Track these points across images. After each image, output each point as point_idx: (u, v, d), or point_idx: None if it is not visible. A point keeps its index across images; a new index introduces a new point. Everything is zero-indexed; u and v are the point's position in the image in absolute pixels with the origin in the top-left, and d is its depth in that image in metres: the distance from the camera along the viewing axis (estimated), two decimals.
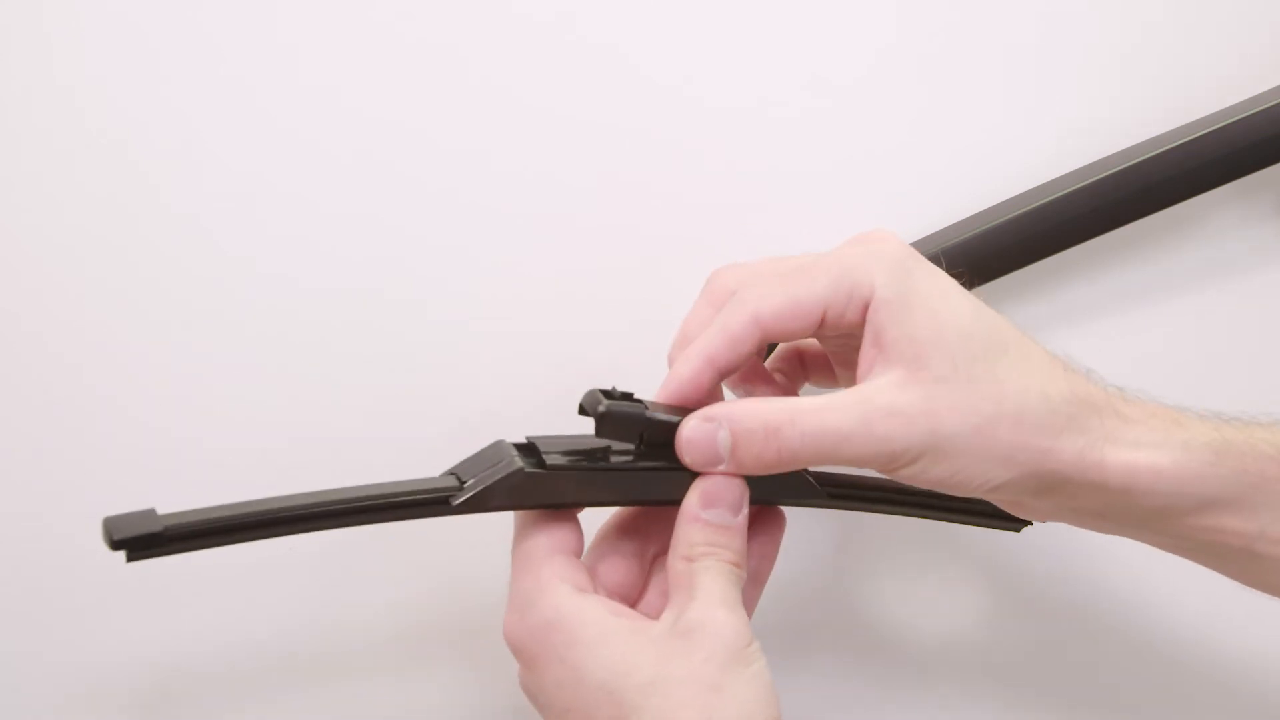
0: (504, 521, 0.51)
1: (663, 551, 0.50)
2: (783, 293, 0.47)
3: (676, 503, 0.48)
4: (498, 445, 0.50)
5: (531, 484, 0.48)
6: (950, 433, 0.46)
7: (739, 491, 0.48)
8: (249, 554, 0.48)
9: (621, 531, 0.51)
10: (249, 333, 0.62)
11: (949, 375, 0.46)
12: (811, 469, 0.52)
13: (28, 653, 0.62)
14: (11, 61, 0.59)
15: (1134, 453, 0.47)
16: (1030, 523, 0.56)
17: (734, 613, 0.46)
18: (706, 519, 0.47)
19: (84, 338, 0.61)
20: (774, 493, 0.51)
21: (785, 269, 0.49)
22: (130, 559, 0.44)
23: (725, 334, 0.48)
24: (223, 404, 0.61)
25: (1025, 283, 0.66)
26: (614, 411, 0.48)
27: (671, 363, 0.51)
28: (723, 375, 0.49)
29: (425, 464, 0.52)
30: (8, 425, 0.60)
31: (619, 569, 0.50)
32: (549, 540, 0.48)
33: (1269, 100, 0.62)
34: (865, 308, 0.47)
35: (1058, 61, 0.65)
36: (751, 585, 0.50)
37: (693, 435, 0.47)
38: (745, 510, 0.48)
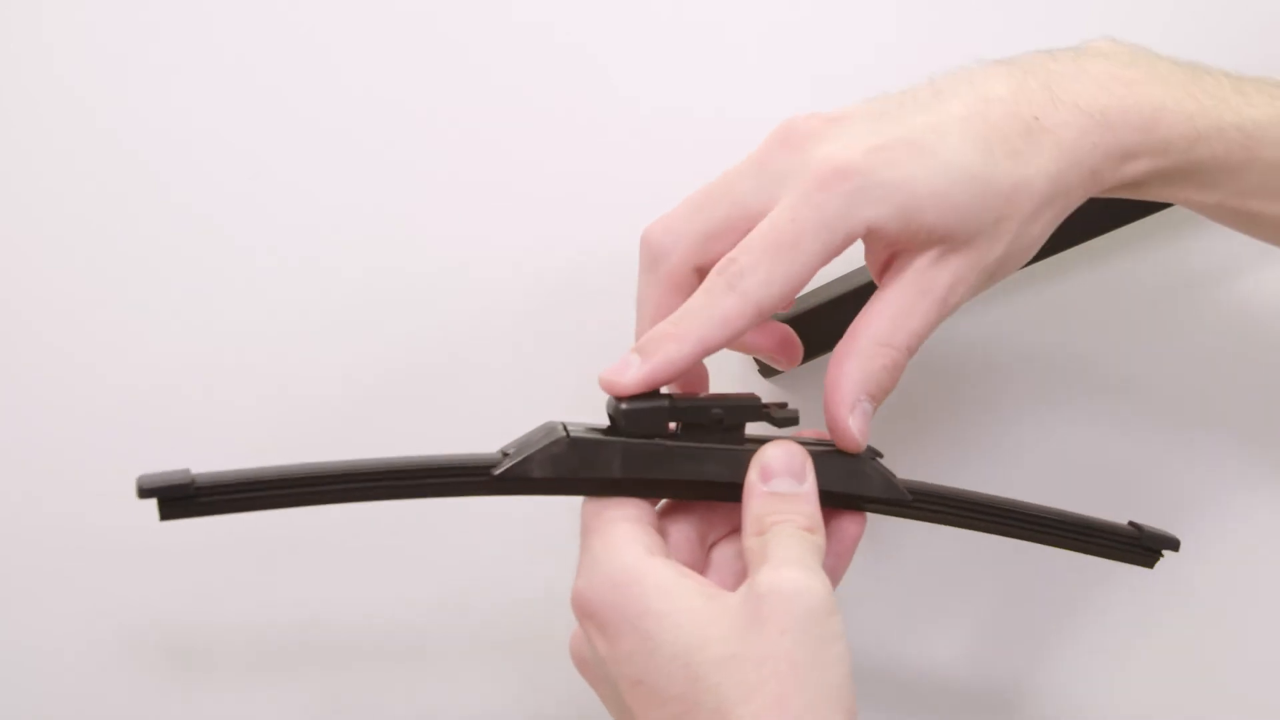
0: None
1: (721, 538, 0.49)
2: (782, 276, 0.45)
3: (726, 484, 0.47)
4: (547, 424, 0.48)
5: (574, 453, 0.46)
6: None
7: (798, 458, 0.47)
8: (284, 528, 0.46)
9: (682, 513, 0.49)
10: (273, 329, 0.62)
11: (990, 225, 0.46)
12: (905, 482, 0.50)
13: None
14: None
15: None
16: (1162, 555, 0.54)
17: (810, 574, 0.43)
18: (770, 490, 0.46)
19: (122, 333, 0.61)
20: (855, 486, 0.49)
21: (724, 219, 0.47)
22: (163, 517, 0.43)
23: (727, 327, 0.45)
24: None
25: (1025, 283, 0.66)
26: (636, 409, 0.46)
27: (644, 344, 0.47)
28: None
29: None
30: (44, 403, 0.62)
31: (680, 550, 0.48)
32: (619, 506, 0.46)
33: None
34: (859, 239, 0.46)
35: None
36: None
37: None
38: (810, 477, 0.46)
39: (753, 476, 0.47)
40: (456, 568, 0.65)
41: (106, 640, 0.64)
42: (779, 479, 0.46)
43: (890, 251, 0.47)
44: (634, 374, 0.46)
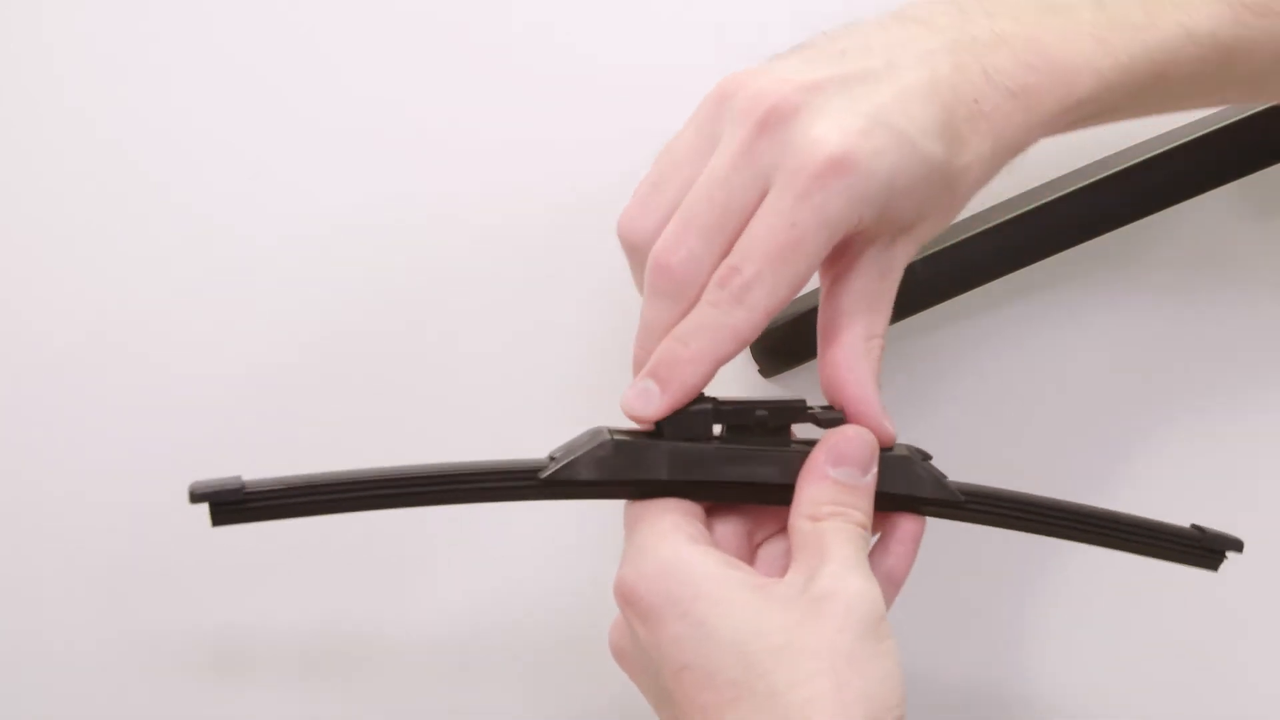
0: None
1: (768, 537, 0.49)
2: (788, 283, 0.44)
3: (776, 486, 0.46)
4: (593, 429, 0.47)
5: (620, 456, 0.46)
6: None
7: (869, 448, 0.46)
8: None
9: (728, 511, 0.49)
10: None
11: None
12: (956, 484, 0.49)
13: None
14: None
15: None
16: (1226, 556, 0.53)
17: (869, 581, 0.44)
18: (835, 477, 0.46)
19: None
20: (907, 487, 0.48)
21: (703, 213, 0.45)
22: (215, 523, 0.43)
23: (738, 341, 0.45)
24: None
25: (1025, 283, 0.66)
26: (681, 414, 0.46)
27: (658, 368, 0.46)
28: None
29: None
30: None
31: (727, 546, 0.48)
32: (666, 500, 0.46)
33: None
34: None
35: None
36: (888, 585, 0.48)
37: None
38: (874, 470, 0.46)
39: (819, 457, 0.46)
40: (491, 569, 0.66)
41: (137, 642, 0.64)
42: (847, 468, 0.46)
43: (844, 238, 0.47)
44: (657, 405, 0.46)
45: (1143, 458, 0.69)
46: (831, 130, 0.43)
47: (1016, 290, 0.66)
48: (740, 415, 0.47)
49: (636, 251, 0.47)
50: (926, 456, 0.49)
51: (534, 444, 0.48)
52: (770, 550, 0.49)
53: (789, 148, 0.44)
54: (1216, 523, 0.54)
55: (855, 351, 0.47)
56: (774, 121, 0.44)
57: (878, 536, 0.49)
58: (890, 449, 0.48)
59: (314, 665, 0.65)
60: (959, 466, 0.51)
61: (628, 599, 0.45)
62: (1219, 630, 0.70)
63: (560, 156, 0.63)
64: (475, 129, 0.63)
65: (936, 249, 0.61)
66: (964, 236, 0.62)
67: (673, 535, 0.45)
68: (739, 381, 0.65)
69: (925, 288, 0.62)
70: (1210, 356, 0.69)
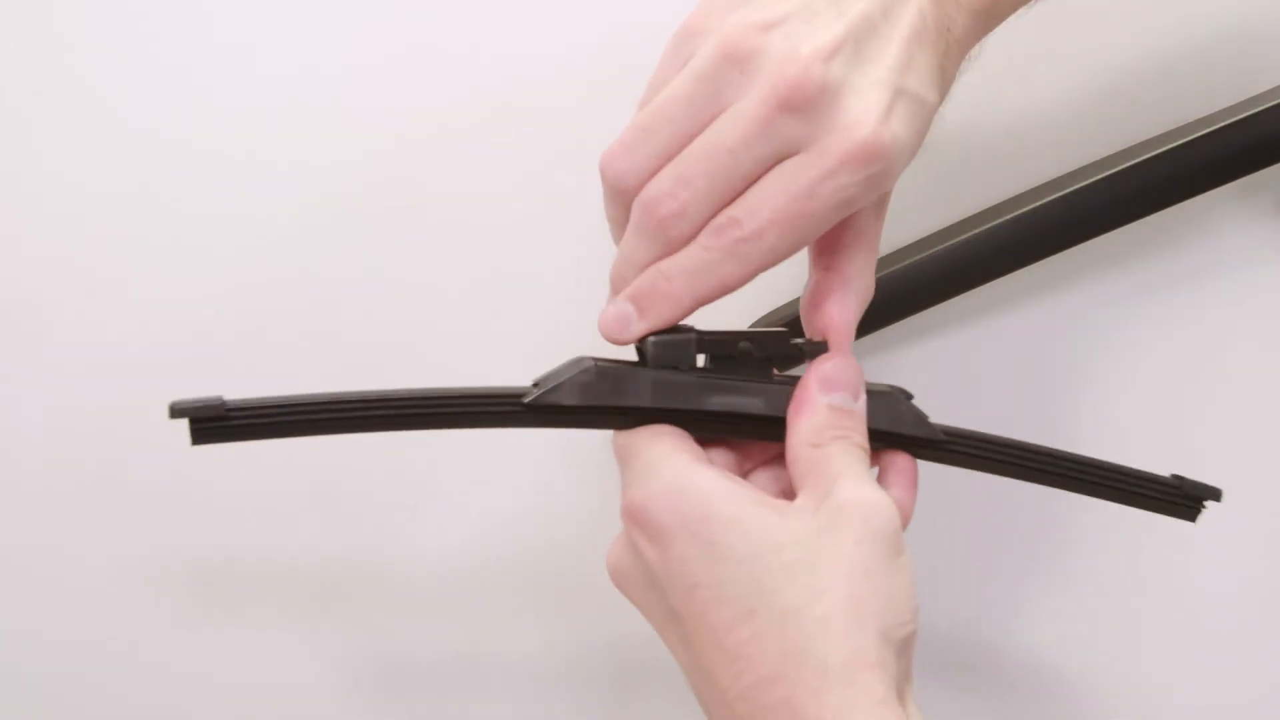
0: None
1: (754, 467, 0.49)
2: (790, 247, 0.44)
3: (762, 418, 0.46)
4: (577, 358, 0.47)
5: (603, 381, 0.45)
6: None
7: (858, 374, 0.46)
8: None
9: (713, 445, 0.48)
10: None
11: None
12: (943, 426, 0.49)
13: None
14: None
15: None
16: (1204, 507, 0.53)
17: (885, 495, 0.44)
18: (830, 403, 0.46)
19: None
20: (889, 423, 0.48)
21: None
22: (195, 440, 0.43)
23: (722, 289, 0.45)
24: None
25: (1025, 283, 0.66)
26: (664, 340, 0.46)
27: (638, 294, 0.46)
28: None
29: None
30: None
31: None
32: (658, 427, 0.46)
33: (1269, 100, 0.62)
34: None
35: (1058, 62, 0.65)
36: None
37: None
38: (864, 395, 0.46)
39: (812, 387, 0.46)
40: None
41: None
42: (839, 394, 0.46)
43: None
44: (634, 330, 0.46)
45: (1141, 458, 0.69)
46: (863, 114, 0.43)
47: (1017, 290, 0.66)
48: (724, 346, 0.47)
49: (619, 192, 0.46)
50: (909, 395, 0.49)
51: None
52: (759, 479, 0.48)
53: (817, 127, 0.43)
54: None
55: (849, 286, 0.47)
56: (799, 101, 0.43)
57: (876, 471, 0.49)
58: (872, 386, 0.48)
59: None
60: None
61: (636, 520, 0.44)
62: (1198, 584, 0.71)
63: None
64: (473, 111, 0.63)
65: (937, 248, 0.61)
66: (963, 237, 0.62)
67: (675, 455, 0.45)
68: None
69: (925, 288, 0.62)
70: (1210, 356, 0.69)
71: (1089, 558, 0.70)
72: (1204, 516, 0.53)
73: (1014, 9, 0.48)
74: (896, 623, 0.42)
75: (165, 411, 0.42)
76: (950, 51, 0.46)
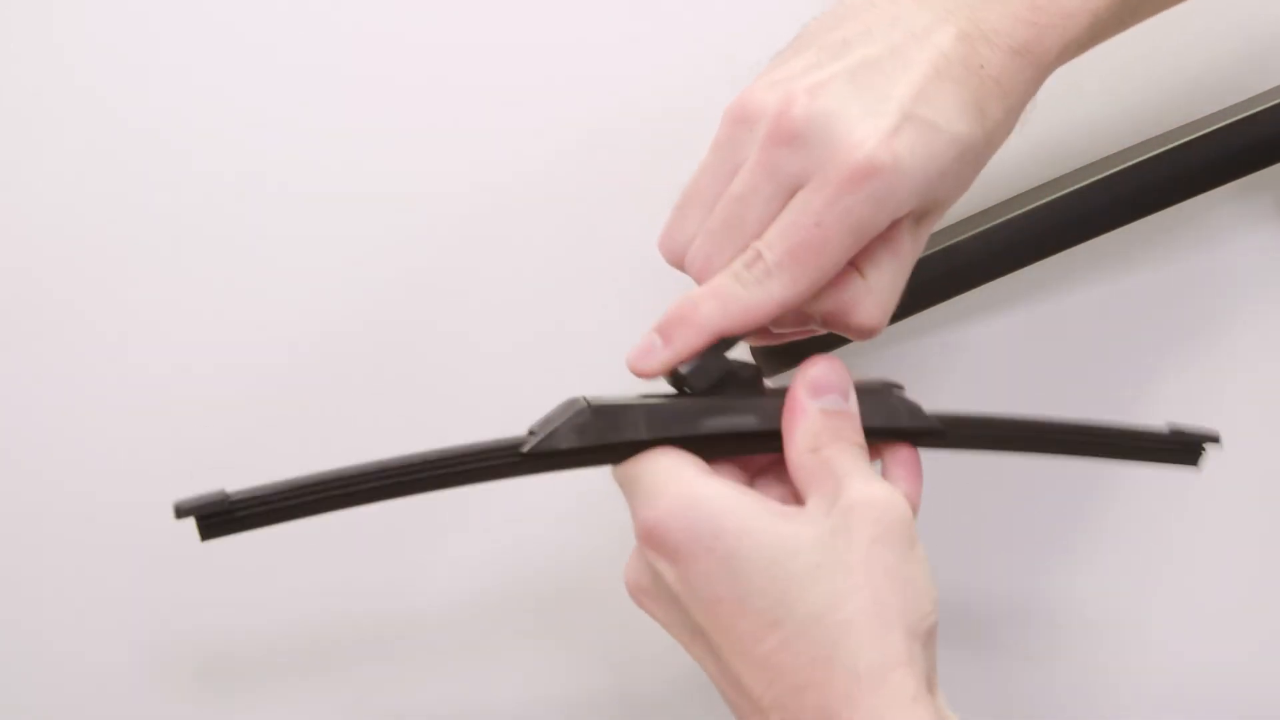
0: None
1: (761, 472, 0.49)
2: (808, 279, 0.45)
3: (758, 433, 0.47)
4: (570, 399, 0.48)
5: (600, 420, 0.46)
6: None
7: (843, 373, 0.47)
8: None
9: (712, 463, 0.48)
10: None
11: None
12: (936, 413, 0.49)
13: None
14: None
15: None
16: (1205, 450, 0.53)
17: (892, 489, 0.44)
18: (821, 407, 0.46)
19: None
20: (883, 419, 0.48)
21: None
22: (203, 537, 0.43)
23: (746, 320, 0.46)
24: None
25: (1025, 283, 0.66)
26: (701, 365, 0.46)
27: (665, 325, 0.47)
28: None
29: None
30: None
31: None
32: (656, 448, 0.46)
33: (1269, 100, 0.62)
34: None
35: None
36: None
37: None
38: (854, 395, 0.47)
39: (800, 393, 0.46)
40: (497, 537, 0.66)
41: (132, 641, 0.64)
42: (829, 396, 0.46)
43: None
44: (660, 359, 0.46)
45: None
46: (863, 136, 0.44)
47: (1017, 290, 0.67)
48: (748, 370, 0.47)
49: (677, 268, 0.49)
50: (899, 387, 0.49)
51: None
52: (763, 487, 0.48)
53: (817, 158, 0.44)
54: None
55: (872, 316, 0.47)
56: (789, 133, 0.44)
57: (878, 465, 0.49)
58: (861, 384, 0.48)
59: (326, 644, 0.65)
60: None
61: (651, 541, 0.44)
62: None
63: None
64: (497, 126, 0.63)
65: (937, 248, 0.61)
66: (964, 236, 0.62)
67: (678, 470, 0.45)
68: None
69: (927, 287, 0.62)
70: (1210, 356, 0.69)
71: (1095, 535, 0.69)
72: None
73: (1062, 48, 0.47)
74: (919, 616, 0.42)
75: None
76: (987, 89, 0.46)
